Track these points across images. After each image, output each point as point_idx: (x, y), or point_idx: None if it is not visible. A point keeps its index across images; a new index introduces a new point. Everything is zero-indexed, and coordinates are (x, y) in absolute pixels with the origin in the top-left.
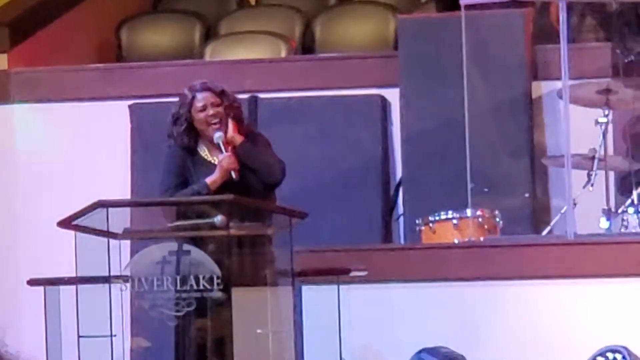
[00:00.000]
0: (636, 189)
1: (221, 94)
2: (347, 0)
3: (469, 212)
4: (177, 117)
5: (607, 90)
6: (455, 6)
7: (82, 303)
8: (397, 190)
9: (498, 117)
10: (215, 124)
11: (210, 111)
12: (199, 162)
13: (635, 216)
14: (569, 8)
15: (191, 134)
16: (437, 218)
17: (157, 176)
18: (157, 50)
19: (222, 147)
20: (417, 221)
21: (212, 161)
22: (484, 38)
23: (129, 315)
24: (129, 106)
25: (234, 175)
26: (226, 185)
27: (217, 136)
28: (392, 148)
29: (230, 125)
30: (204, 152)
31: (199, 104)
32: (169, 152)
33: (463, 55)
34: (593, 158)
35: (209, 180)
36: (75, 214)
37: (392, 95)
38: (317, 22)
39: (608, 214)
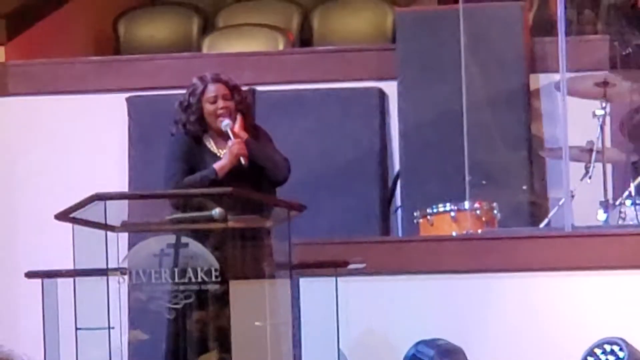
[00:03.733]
0: (633, 181)
1: (233, 88)
2: None
3: (466, 204)
4: (187, 105)
5: (605, 83)
6: None
7: (80, 295)
8: (395, 183)
9: (496, 110)
10: (222, 116)
11: (221, 104)
12: (205, 154)
13: (632, 208)
14: (567, 0)
15: (201, 124)
16: (435, 210)
17: (155, 168)
18: (155, 43)
19: (231, 134)
20: (415, 213)
21: (218, 154)
22: (482, 30)
23: (126, 307)
24: (127, 99)
25: (243, 161)
26: (234, 173)
27: (225, 124)
28: (390, 140)
29: (238, 121)
30: (210, 143)
31: (210, 94)
32: (174, 139)
33: (461, 48)
34: (591, 150)
35: (217, 165)
36: (72, 206)
37: (390, 87)
38: (314, 14)
39: (605, 206)
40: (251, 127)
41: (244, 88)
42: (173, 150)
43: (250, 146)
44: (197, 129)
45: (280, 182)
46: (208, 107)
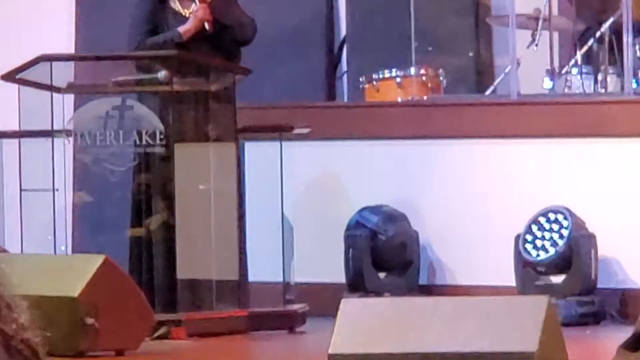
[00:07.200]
0: (580, 49)
1: None
2: None
3: (412, 70)
4: None
5: None
6: None
7: (25, 157)
8: (340, 48)
9: None
10: None
11: None
12: (169, 13)
13: (578, 77)
14: None
15: None
16: (380, 76)
17: (103, 30)
18: None
19: None
20: (360, 79)
21: (184, 13)
22: None
23: (71, 169)
24: None
25: (207, 26)
26: (198, 37)
27: None
28: (336, 5)
29: None
30: (174, 3)
31: None
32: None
33: None
34: (537, 18)
35: (181, 29)
36: (19, 67)
37: None
38: None
39: (551, 74)
40: None
41: None
42: (136, 10)
43: (216, 8)
44: None
45: (247, 42)
46: None
